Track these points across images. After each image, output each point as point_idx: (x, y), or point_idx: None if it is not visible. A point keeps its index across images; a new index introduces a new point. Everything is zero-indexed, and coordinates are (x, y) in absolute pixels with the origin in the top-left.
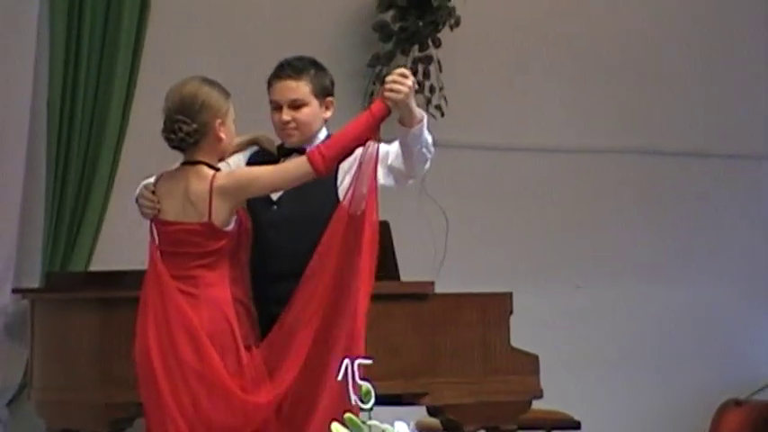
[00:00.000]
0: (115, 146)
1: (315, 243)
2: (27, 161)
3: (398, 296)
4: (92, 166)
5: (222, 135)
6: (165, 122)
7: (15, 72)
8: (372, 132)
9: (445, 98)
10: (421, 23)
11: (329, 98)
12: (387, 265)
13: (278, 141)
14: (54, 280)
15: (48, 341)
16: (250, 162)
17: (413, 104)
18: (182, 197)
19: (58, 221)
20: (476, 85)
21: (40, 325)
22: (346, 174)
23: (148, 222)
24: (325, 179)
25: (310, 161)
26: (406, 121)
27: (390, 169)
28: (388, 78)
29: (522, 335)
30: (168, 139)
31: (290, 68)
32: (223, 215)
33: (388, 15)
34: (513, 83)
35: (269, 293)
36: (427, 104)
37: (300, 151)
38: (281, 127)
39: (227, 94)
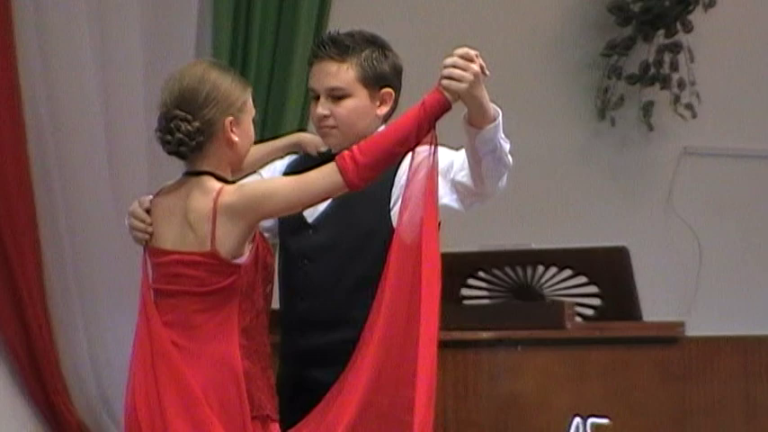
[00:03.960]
0: None
1: (360, 280)
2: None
3: (640, 340)
4: None
5: (234, 138)
6: (159, 119)
7: (172, 58)
8: (422, 132)
9: (698, 95)
10: (667, 3)
11: (386, 89)
12: (626, 301)
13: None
14: None
15: None
16: (288, 173)
17: (483, 96)
18: (180, 218)
19: None
20: (736, 78)
21: None
22: (404, 189)
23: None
24: (375, 195)
25: (340, 169)
26: (475, 119)
27: (454, 185)
28: (447, 61)
29: None
30: (163, 142)
31: (331, 46)
32: (231, 242)
33: None
34: None
35: (299, 347)
36: (675, 102)
37: None
38: (317, 123)
39: (244, 84)
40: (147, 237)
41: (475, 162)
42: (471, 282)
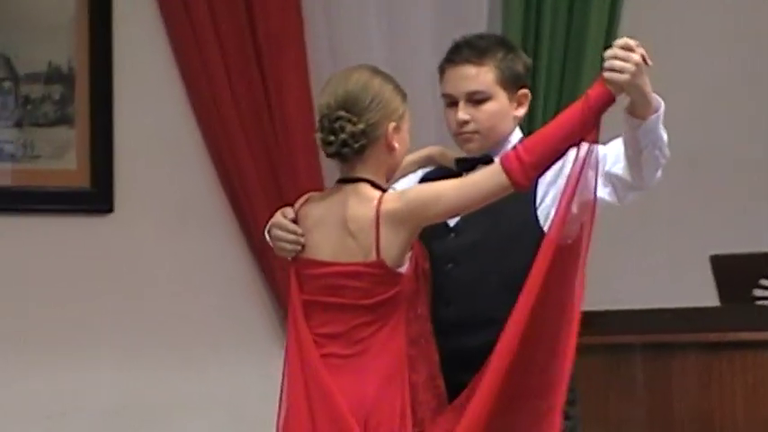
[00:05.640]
0: None
1: (506, 280)
2: None
3: None
4: None
5: (395, 144)
6: (320, 120)
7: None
8: (588, 128)
9: None
10: None
11: (522, 90)
12: None
13: (458, 153)
14: None
15: None
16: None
17: (646, 87)
18: (338, 228)
19: None
20: None
21: None
22: (550, 187)
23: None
24: (518, 195)
25: (506, 170)
26: (639, 109)
27: (609, 178)
28: (608, 53)
29: None
30: (326, 143)
31: (468, 50)
32: (395, 251)
33: None
34: None
35: (445, 351)
36: None
37: (488, 162)
38: (457, 129)
39: (404, 94)
40: (298, 248)
41: (634, 154)
42: (764, 282)
